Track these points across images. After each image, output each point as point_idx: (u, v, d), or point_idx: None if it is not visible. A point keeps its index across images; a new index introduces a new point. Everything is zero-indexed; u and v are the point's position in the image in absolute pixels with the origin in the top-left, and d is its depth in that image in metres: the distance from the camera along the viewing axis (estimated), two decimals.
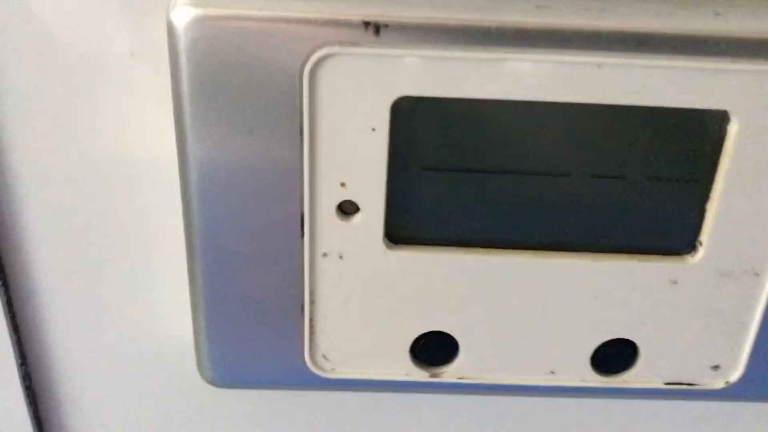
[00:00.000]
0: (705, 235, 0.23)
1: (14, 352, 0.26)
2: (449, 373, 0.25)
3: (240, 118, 0.21)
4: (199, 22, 0.20)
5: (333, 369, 0.25)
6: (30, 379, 0.27)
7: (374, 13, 0.20)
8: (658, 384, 0.25)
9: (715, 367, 0.25)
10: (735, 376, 0.25)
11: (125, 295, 0.26)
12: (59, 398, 0.28)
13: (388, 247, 0.23)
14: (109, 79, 0.23)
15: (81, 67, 0.23)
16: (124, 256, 0.26)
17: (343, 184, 0.22)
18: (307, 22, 0.20)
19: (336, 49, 0.20)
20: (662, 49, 0.20)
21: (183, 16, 0.20)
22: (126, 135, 0.24)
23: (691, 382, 0.25)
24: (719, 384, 0.25)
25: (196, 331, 0.25)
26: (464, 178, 0.22)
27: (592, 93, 0.21)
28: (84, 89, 0.23)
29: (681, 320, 0.24)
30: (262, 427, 0.28)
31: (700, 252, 0.23)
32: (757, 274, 0.23)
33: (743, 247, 0.23)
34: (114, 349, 0.27)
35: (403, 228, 0.23)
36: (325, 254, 0.23)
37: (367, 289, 0.24)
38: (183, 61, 0.20)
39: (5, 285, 0.25)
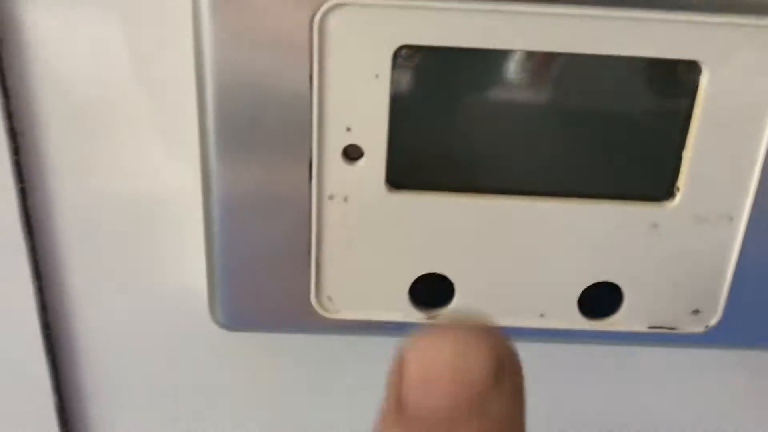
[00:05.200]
0: (682, 182, 0.25)
1: (36, 301, 0.28)
2: (445, 315, 0.27)
3: (256, 65, 0.23)
4: None
5: (337, 310, 0.26)
6: (49, 329, 0.29)
7: None
8: (641, 328, 0.27)
9: (695, 312, 0.27)
10: (714, 320, 0.27)
11: (141, 247, 0.28)
12: (78, 349, 0.29)
13: (389, 190, 0.25)
14: None
15: None
16: (138, 209, 0.27)
17: (348, 129, 0.24)
18: None
19: (342, 1, 0.22)
20: (639, 3, 0.22)
21: None
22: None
23: (672, 326, 0.27)
24: (699, 328, 0.27)
25: (209, 275, 0.26)
26: (461, 126, 0.24)
27: (575, 43, 0.23)
28: None
29: (662, 264, 0.26)
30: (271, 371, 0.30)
31: (678, 197, 0.25)
32: (731, 219, 0.25)
33: (717, 193, 0.25)
34: (130, 298, 0.29)
35: (404, 172, 0.25)
36: (331, 197, 0.25)
37: (369, 231, 0.25)
38: (204, 19, 0.22)
39: (34, 247, 0.27)
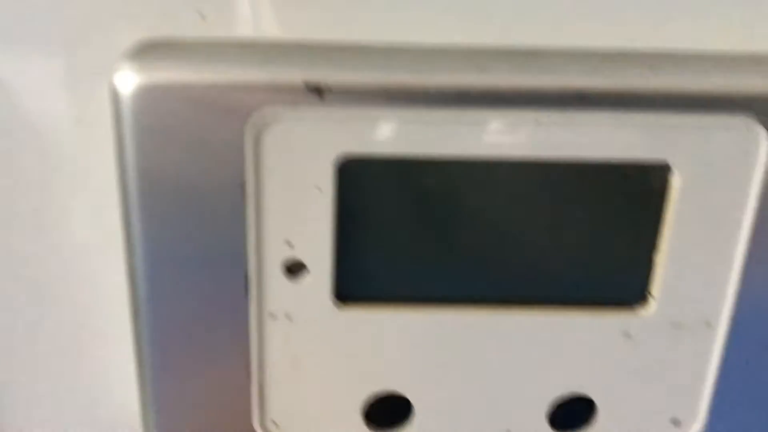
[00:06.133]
0: (656, 287, 0.23)
1: None
2: None
3: (185, 178, 0.21)
4: (142, 88, 0.20)
5: None
6: None
7: (316, 76, 0.20)
8: None
9: (675, 422, 0.25)
10: (695, 430, 0.25)
11: (75, 365, 0.25)
12: None
13: (337, 306, 0.23)
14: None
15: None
16: (70, 326, 0.25)
17: (289, 243, 0.22)
18: (251, 85, 0.20)
19: (279, 111, 0.20)
20: (601, 104, 0.21)
21: (127, 83, 0.20)
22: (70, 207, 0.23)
23: None
24: None
25: (142, 401, 0.24)
26: (411, 235, 0.22)
27: (533, 149, 0.21)
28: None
29: (637, 374, 0.24)
30: None
31: (652, 304, 0.23)
32: (709, 325, 0.23)
33: (694, 298, 0.23)
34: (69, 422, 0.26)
35: (352, 286, 0.23)
36: (272, 315, 0.23)
37: (316, 350, 0.23)
38: (127, 124, 0.20)
39: None
